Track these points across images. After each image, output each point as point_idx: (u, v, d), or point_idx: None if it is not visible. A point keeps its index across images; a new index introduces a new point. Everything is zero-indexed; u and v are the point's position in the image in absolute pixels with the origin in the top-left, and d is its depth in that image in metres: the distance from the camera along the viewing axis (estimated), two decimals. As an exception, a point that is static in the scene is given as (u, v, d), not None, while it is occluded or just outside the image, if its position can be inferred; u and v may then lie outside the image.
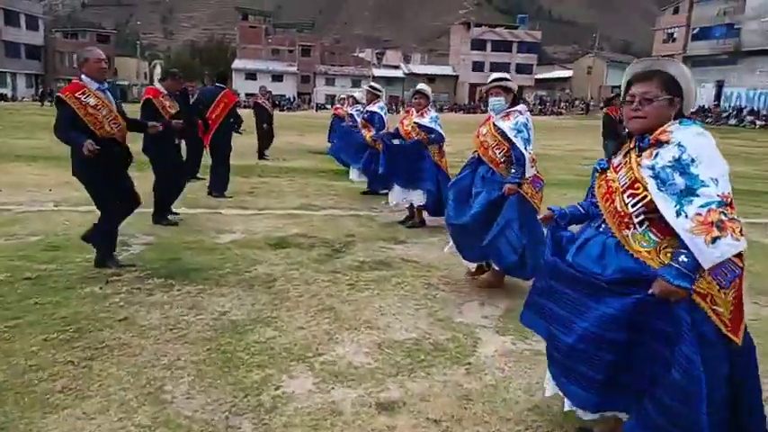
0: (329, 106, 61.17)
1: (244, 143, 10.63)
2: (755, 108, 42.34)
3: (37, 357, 2.75)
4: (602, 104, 19.80)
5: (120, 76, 61.60)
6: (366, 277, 4.18)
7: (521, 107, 3.84)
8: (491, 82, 3.91)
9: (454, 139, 9.25)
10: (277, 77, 63.83)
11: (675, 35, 52.10)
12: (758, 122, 38.62)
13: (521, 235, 3.65)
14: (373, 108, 7.24)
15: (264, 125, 12.45)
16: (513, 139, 3.69)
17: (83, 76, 3.91)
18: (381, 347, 3.02)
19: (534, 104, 62.18)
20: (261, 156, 12.46)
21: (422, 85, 5.79)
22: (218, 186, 7.47)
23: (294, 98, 60.78)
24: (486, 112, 4.01)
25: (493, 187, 3.80)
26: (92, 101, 3.81)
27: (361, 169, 7.73)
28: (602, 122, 8.74)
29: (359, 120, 8.28)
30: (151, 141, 5.39)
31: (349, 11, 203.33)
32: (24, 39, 56.35)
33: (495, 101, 3.87)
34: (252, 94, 11.56)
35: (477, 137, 4.00)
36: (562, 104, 61.28)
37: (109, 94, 3.99)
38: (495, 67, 66.53)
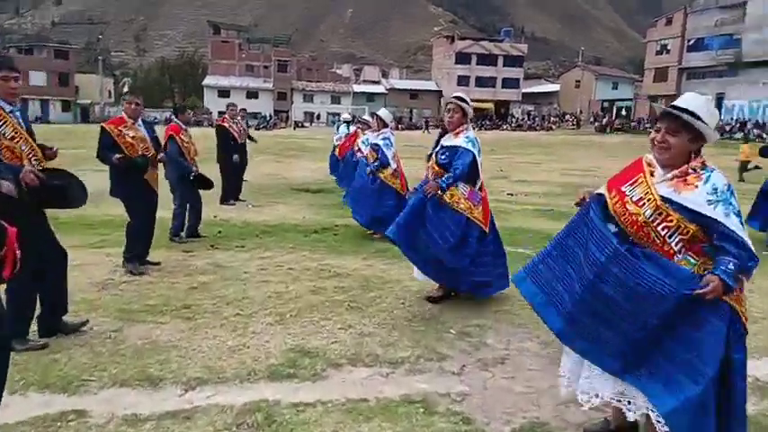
0: (308, 124, 57.43)
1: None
2: (760, 121, 40.11)
3: None
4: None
5: (81, 95, 57.08)
6: None
7: None
8: None
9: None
10: (252, 94, 59.92)
11: (669, 46, 50.16)
12: (766, 135, 36.01)
13: None
14: (457, 141, 3.68)
15: (234, 156, 8.68)
16: None
17: None
18: None
19: (522, 119, 59.50)
20: (223, 200, 8.74)
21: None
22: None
23: (270, 116, 56.87)
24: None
25: None
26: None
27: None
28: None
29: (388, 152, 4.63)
30: None
31: (324, 28, 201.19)
32: (-29, 55, 51.63)
33: None
34: (224, 112, 8.38)
35: None
36: (552, 119, 58.57)
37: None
38: (481, 81, 64.05)
